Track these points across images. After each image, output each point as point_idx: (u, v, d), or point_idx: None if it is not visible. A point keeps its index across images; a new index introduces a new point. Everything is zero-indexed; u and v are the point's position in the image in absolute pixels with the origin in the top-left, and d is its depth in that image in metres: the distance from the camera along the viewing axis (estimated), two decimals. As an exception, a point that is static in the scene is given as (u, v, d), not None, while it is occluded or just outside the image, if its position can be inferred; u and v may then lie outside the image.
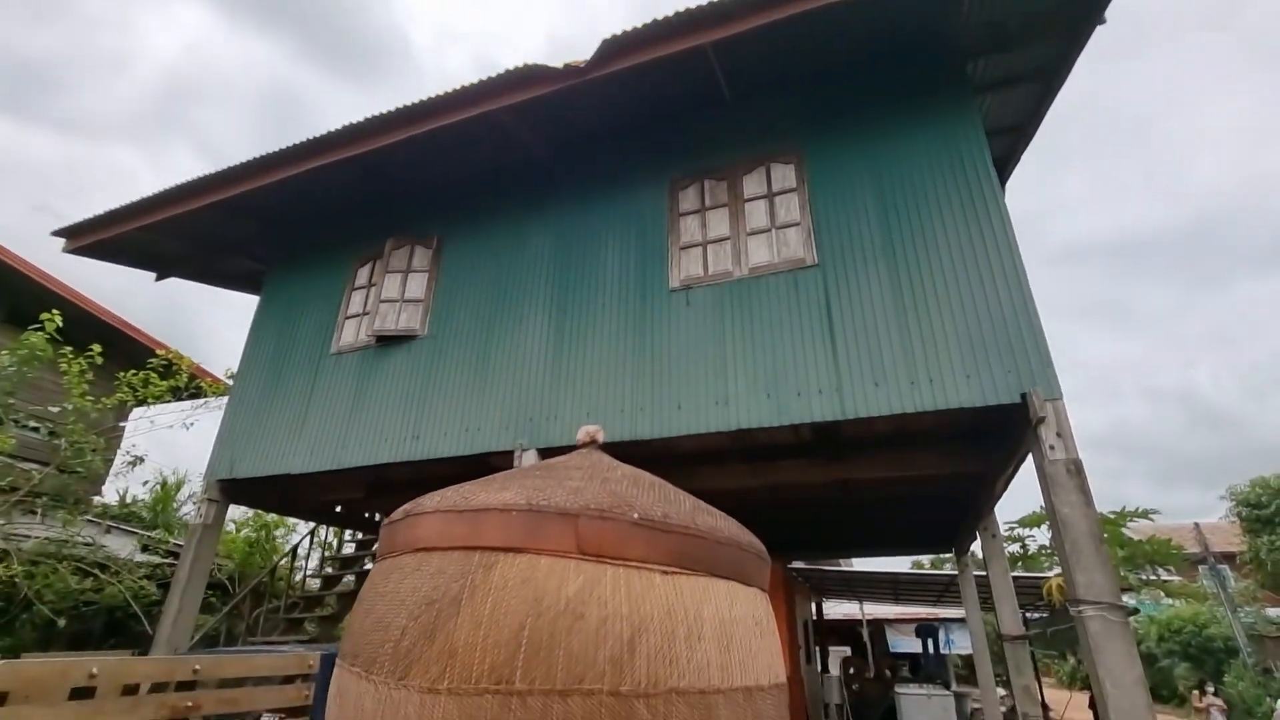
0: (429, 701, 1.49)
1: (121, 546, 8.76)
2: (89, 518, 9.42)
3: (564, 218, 5.65)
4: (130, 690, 2.91)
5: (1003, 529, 6.22)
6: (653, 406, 4.45)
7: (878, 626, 19.68)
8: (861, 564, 14.10)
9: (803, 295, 4.44)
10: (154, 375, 8.39)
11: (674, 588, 1.68)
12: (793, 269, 4.54)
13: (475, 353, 5.37)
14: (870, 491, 6.22)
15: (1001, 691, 10.91)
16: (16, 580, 6.61)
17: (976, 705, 12.82)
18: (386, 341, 5.80)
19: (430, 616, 1.60)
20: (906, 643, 19.61)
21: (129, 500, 12.33)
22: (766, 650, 1.86)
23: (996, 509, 6.04)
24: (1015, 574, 8.41)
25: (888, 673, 15.17)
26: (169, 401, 8.68)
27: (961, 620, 15.65)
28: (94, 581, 7.49)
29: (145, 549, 9.34)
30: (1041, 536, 15.63)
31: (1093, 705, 13.85)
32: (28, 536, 7.45)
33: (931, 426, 4.42)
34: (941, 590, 14.15)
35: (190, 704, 3.05)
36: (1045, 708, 13.17)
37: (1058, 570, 14.02)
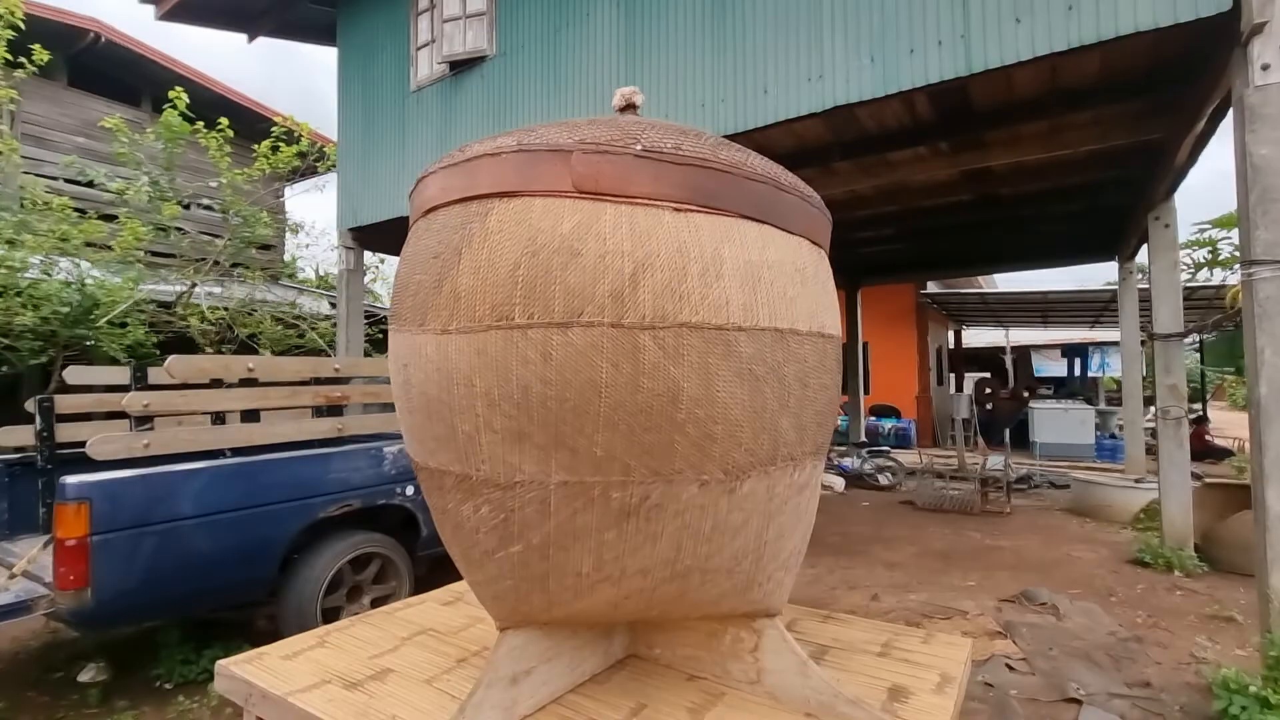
0: (443, 341, 1.54)
1: (316, 307, 10.19)
2: (283, 283, 10.95)
3: None
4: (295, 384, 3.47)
5: (1191, 231, 5.11)
6: (735, 95, 3.88)
7: (1023, 353, 19.01)
8: (1007, 285, 13.10)
9: (930, -88, 3.33)
10: (281, 144, 8.87)
11: (687, 225, 1.49)
12: (919, -126, 3.37)
13: (546, 64, 4.90)
14: (1011, 185, 5.36)
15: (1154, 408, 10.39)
16: (230, 324, 8.05)
17: (1122, 422, 12.46)
18: (459, 68, 5.46)
19: (437, 268, 1.58)
20: (1054, 367, 18.96)
21: (323, 274, 14.05)
22: (809, 299, 1.69)
23: (1177, 195, 4.97)
24: (1194, 284, 7.28)
25: (1025, 392, 14.98)
26: (299, 167, 9.23)
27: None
28: (294, 331, 8.94)
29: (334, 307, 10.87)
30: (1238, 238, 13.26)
31: None
32: (230, 297, 8.86)
33: (1094, 77, 3.46)
34: (1099, 310, 12.97)
35: (340, 394, 3.61)
36: (1203, 420, 12.50)
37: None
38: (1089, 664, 3.13)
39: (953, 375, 16.65)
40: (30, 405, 3.57)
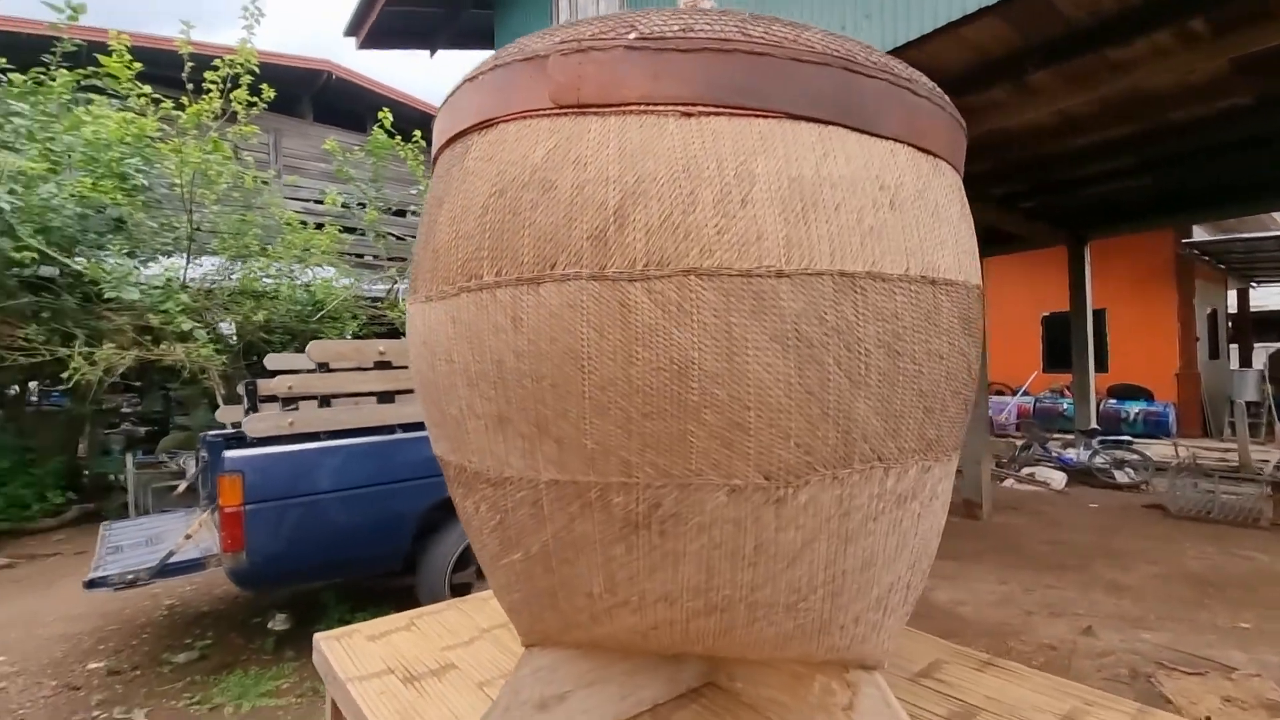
0: (426, 310, 1.32)
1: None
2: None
3: None
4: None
5: None
6: (882, 5, 3.18)
7: (1352, 315, 14.36)
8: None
9: None
10: (461, 148, 9.65)
11: (699, 134, 1.08)
12: None
13: (674, 19, 4.55)
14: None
15: None
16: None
17: None
18: (594, 41, 5.33)
19: (426, 226, 1.36)
20: None
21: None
22: (904, 229, 1.17)
23: None
24: None
25: (1355, 367, 11.17)
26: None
27: None
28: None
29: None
30: None
31: None
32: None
33: None
34: None
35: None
36: None
37: None
38: None
39: (1234, 346, 13.08)
40: (240, 388, 4.15)
